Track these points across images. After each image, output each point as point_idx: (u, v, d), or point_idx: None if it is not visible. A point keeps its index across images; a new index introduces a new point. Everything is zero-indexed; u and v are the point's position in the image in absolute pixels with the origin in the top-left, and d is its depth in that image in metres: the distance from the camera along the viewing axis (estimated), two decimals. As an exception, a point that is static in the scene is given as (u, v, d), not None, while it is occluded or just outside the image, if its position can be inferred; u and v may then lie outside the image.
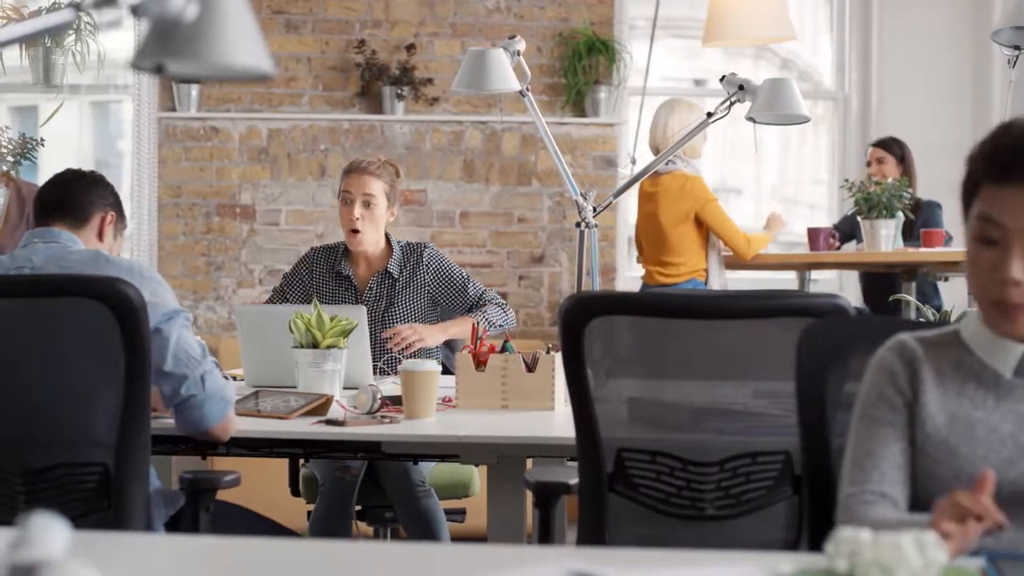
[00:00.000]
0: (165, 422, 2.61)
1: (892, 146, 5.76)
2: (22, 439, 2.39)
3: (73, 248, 2.62)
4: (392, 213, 3.87)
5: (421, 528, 3.61)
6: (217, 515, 2.71)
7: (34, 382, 2.37)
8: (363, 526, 3.87)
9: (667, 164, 5.15)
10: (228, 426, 2.59)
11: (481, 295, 3.88)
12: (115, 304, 2.29)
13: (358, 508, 3.77)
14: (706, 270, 5.26)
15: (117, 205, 2.84)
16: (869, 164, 5.78)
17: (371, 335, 3.56)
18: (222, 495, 2.80)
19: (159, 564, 1.46)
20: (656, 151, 5.18)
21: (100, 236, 2.75)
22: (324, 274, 3.90)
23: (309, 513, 3.76)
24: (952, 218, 5.80)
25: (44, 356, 2.37)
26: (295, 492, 3.86)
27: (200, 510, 2.58)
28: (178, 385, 2.51)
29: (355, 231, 3.79)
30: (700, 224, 5.19)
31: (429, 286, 3.85)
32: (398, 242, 3.90)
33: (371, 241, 3.83)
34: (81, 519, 2.32)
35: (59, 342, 2.36)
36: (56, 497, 2.35)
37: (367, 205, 3.79)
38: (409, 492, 3.59)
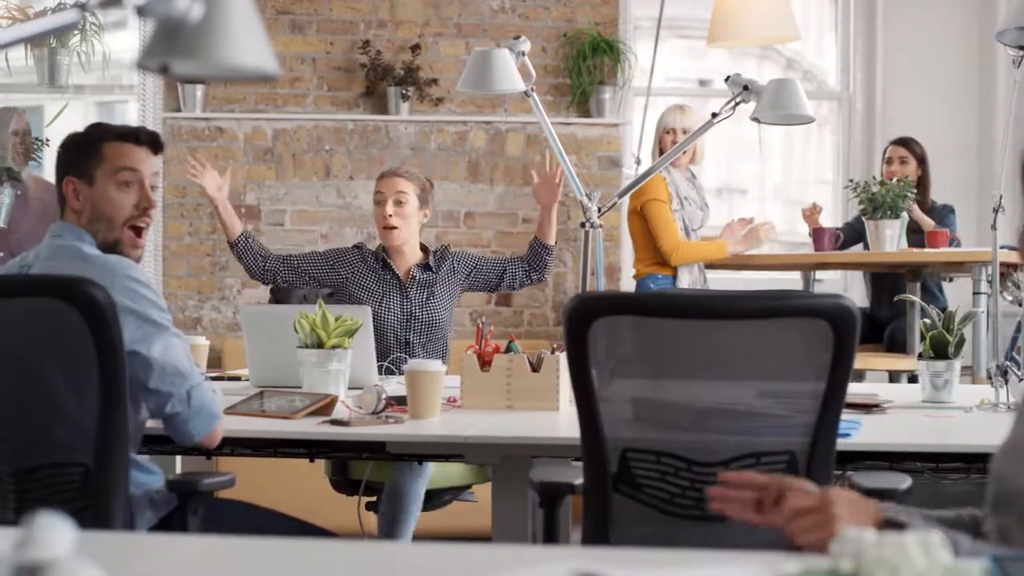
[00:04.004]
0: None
1: (914, 147, 5.68)
2: (12, 439, 2.39)
3: (59, 243, 2.58)
4: (425, 214, 4.09)
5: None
6: (221, 514, 2.70)
7: (17, 382, 2.36)
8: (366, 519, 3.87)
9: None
10: (215, 438, 2.58)
11: (508, 258, 4.23)
12: (81, 305, 2.26)
13: (372, 500, 3.79)
14: (673, 266, 5.17)
15: (69, 166, 2.61)
16: (890, 162, 5.67)
17: (411, 325, 3.97)
18: (226, 495, 2.79)
19: (164, 564, 1.46)
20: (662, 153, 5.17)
21: (70, 206, 2.60)
22: (365, 271, 4.06)
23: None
24: (964, 223, 5.79)
25: (23, 357, 2.35)
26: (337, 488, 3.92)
27: (189, 512, 2.56)
28: (163, 403, 2.49)
29: (389, 227, 3.99)
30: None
31: (461, 273, 4.10)
32: (431, 248, 4.14)
33: (405, 237, 4.03)
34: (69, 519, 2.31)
35: (35, 343, 2.35)
36: (46, 497, 2.34)
37: (399, 203, 4.00)
38: None
